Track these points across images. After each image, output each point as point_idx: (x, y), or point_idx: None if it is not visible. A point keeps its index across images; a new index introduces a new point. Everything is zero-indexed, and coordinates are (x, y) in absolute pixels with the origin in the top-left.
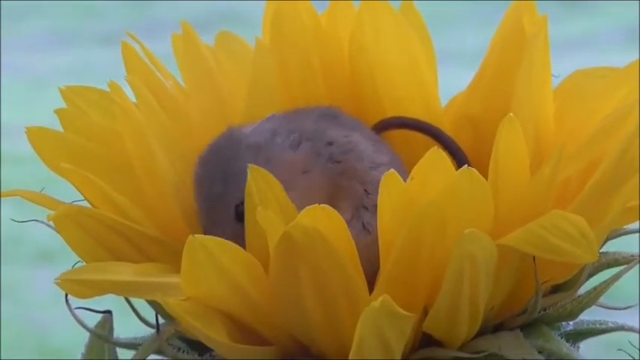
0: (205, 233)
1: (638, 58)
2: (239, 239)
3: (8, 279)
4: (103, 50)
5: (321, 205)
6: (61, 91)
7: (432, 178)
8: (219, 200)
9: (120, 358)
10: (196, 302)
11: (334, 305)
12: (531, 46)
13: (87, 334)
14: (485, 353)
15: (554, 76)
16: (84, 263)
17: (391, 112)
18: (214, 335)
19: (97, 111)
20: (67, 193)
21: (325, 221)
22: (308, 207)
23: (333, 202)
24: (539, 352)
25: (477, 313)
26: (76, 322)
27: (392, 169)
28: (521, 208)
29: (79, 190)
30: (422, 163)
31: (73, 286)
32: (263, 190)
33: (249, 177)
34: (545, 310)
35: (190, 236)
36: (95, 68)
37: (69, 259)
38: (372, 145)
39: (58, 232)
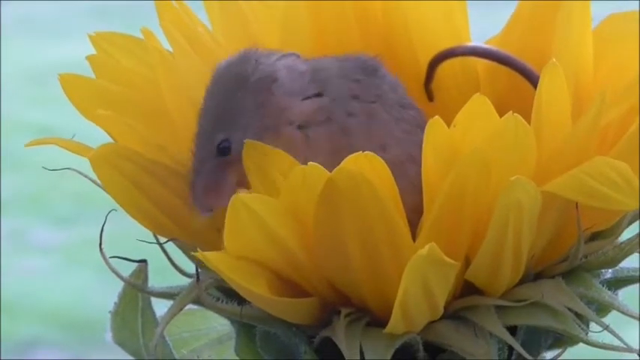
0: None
1: None
2: (218, 172)
3: None
4: (97, 25)
5: (365, 152)
6: (90, 37)
7: (475, 125)
8: (207, 131)
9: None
10: (236, 255)
11: (377, 252)
12: None
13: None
14: (527, 301)
15: None
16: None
17: (426, 61)
18: (255, 289)
19: (126, 57)
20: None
21: (369, 167)
22: (352, 154)
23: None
24: (580, 300)
25: (519, 261)
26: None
27: (437, 116)
28: (563, 155)
29: (112, 138)
30: (465, 109)
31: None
32: (260, 165)
33: (244, 155)
34: (586, 257)
35: (233, 196)
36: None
37: None
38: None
39: (94, 172)
